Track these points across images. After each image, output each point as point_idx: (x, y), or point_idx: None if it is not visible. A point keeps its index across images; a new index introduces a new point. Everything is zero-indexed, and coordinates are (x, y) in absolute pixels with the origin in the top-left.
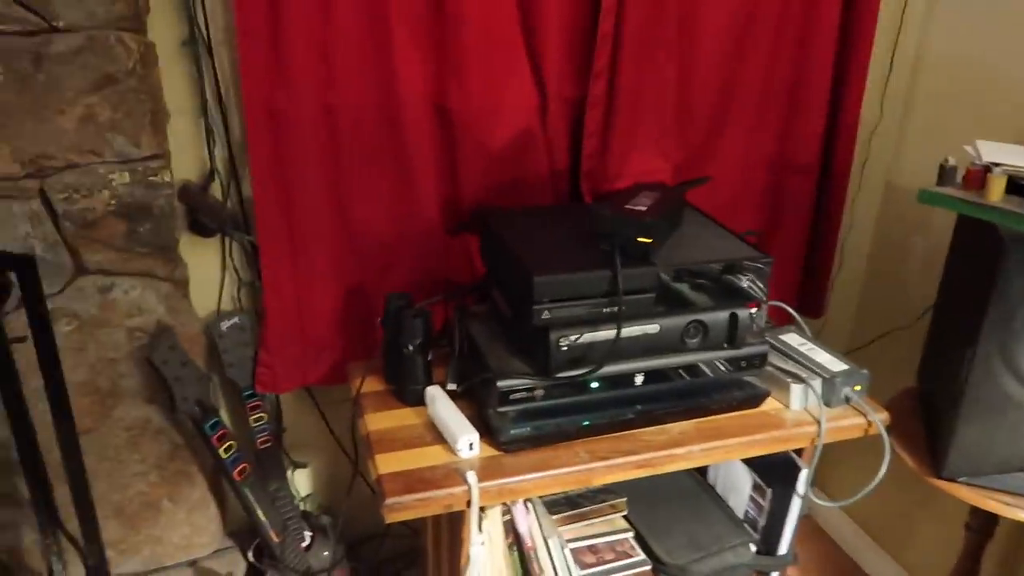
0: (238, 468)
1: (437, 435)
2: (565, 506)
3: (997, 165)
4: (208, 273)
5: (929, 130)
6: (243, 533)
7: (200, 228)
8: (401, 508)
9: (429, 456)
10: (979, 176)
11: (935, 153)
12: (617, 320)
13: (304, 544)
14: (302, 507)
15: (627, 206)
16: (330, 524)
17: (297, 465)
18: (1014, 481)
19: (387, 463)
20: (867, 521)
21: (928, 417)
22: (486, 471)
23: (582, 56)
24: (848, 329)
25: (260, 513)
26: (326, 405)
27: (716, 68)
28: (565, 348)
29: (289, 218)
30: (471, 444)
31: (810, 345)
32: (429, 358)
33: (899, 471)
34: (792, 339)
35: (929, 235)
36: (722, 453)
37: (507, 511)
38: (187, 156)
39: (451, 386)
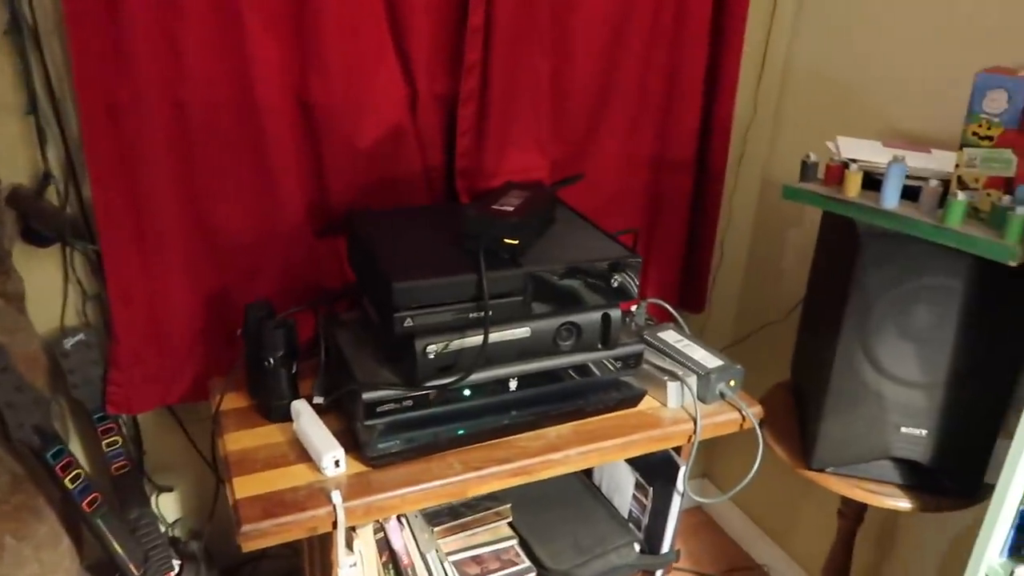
0: (87, 499)
1: (302, 453)
2: (447, 517)
3: (855, 161)
4: (48, 286)
5: (800, 127)
6: (104, 566)
7: (35, 237)
8: (259, 535)
9: (293, 476)
10: (838, 172)
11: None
12: (484, 325)
13: (173, 574)
14: (172, 533)
15: (494, 206)
16: (199, 550)
17: (162, 489)
18: (877, 469)
19: (246, 486)
20: (755, 511)
21: (800, 410)
22: (353, 489)
23: (453, 50)
24: (730, 324)
25: (116, 545)
26: (192, 423)
27: (592, 65)
28: (432, 356)
29: (136, 223)
30: (336, 461)
31: (687, 342)
32: (294, 371)
33: (782, 462)
34: (670, 336)
35: (802, 230)
36: (599, 456)
37: (380, 528)
38: (17, 158)
39: (317, 400)
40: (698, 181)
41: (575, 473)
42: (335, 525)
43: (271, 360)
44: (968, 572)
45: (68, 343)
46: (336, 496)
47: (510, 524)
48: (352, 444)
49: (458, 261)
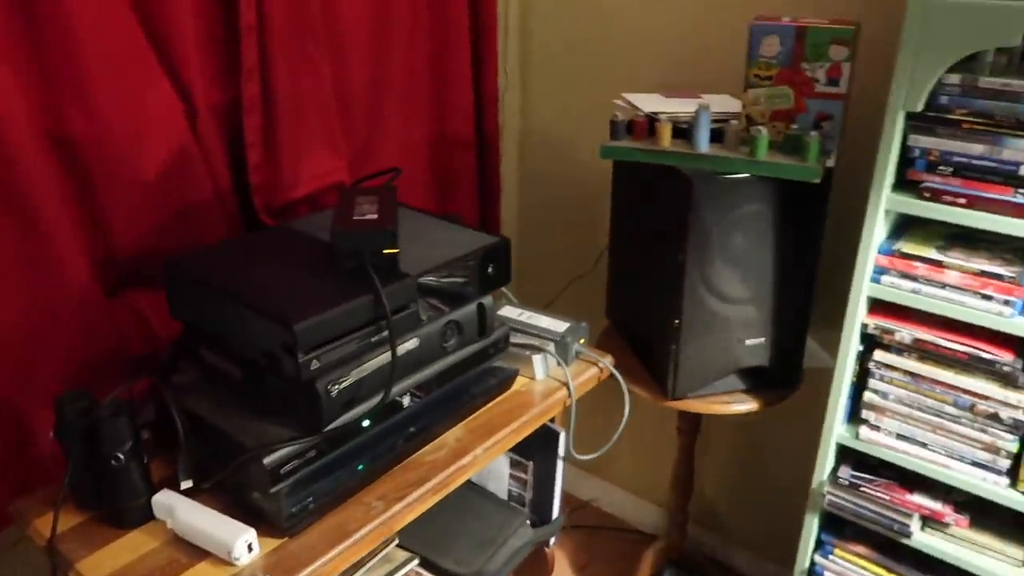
0: None
1: (194, 551)
2: None
3: (662, 114)
4: None
5: (542, 96)
6: None
7: None
8: None
9: None
10: (645, 126)
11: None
12: (391, 343)
13: None
14: None
15: (355, 218)
16: None
17: None
18: (724, 384)
19: None
20: (613, 475)
21: (640, 349)
22: (280, 568)
23: (228, 55)
24: (539, 288)
25: None
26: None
27: (366, 57)
28: (335, 394)
29: None
30: (250, 545)
31: (528, 313)
32: (145, 460)
33: (610, 418)
34: (511, 312)
35: (565, 187)
36: (500, 448)
37: None
38: None
39: (185, 484)
40: (480, 156)
41: None
42: None
43: (120, 456)
44: (822, 442)
45: None
46: None
47: (399, 545)
48: (254, 519)
49: (343, 284)
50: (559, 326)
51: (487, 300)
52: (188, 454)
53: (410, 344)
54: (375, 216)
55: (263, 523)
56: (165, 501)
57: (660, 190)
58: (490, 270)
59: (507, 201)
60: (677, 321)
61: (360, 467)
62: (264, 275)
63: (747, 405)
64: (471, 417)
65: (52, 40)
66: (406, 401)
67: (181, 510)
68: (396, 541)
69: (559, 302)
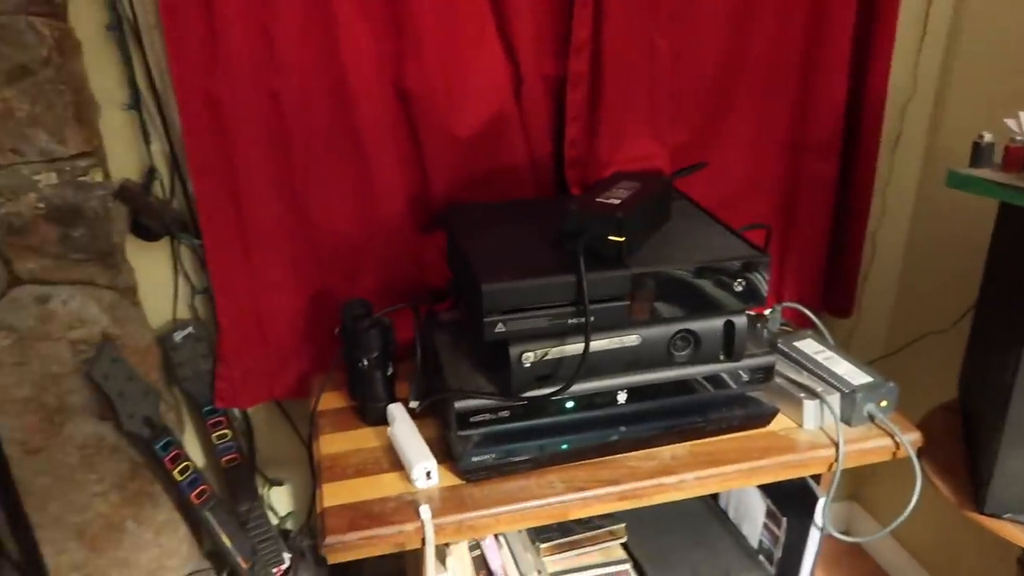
0: (196, 491)
1: (395, 461)
2: (556, 532)
3: None
4: (159, 279)
5: (971, 103)
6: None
7: (144, 231)
8: (343, 548)
9: (383, 486)
10: (1021, 154)
11: (979, 128)
12: (585, 331)
13: (283, 567)
14: (284, 527)
15: (598, 199)
16: (309, 547)
17: (273, 483)
18: None
19: (335, 494)
20: (912, 543)
21: (970, 438)
22: (445, 504)
23: (561, 27)
24: (883, 333)
25: (224, 538)
26: (301, 418)
27: (718, 38)
28: (528, 365)
29: (237, 218)
30: (428, 472)
31: (828, 353)
32: (390, 372)
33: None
34: (808, 346)
35: (973, 224)
36: (719, 483)
37: (476, 546)
38: (125, 153)
39: (413, 404)
40: (845, 167)
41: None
42: (424, 542)
43: (366, 361)
44: None
45: (178, 336)
46: (425, 512)
47: (624, 545)
48: (446, 454)
49: (556, 261)
50: (858, 378)
51: (739, 320)
52: (420, 379)
53: (627, 340)
54: (618, 201)
55: (450, 461)
56: (393, 411)
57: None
58: (738, 287)
59: (896, 226)
60: (1006, 412)
61: (564, 447)
62: (505, 238)
63: None
64: (701, 440)
65: (402, 2)
66: (621, 398)
67: (398, 423)
68: (623, 539)
69: (908, 359)
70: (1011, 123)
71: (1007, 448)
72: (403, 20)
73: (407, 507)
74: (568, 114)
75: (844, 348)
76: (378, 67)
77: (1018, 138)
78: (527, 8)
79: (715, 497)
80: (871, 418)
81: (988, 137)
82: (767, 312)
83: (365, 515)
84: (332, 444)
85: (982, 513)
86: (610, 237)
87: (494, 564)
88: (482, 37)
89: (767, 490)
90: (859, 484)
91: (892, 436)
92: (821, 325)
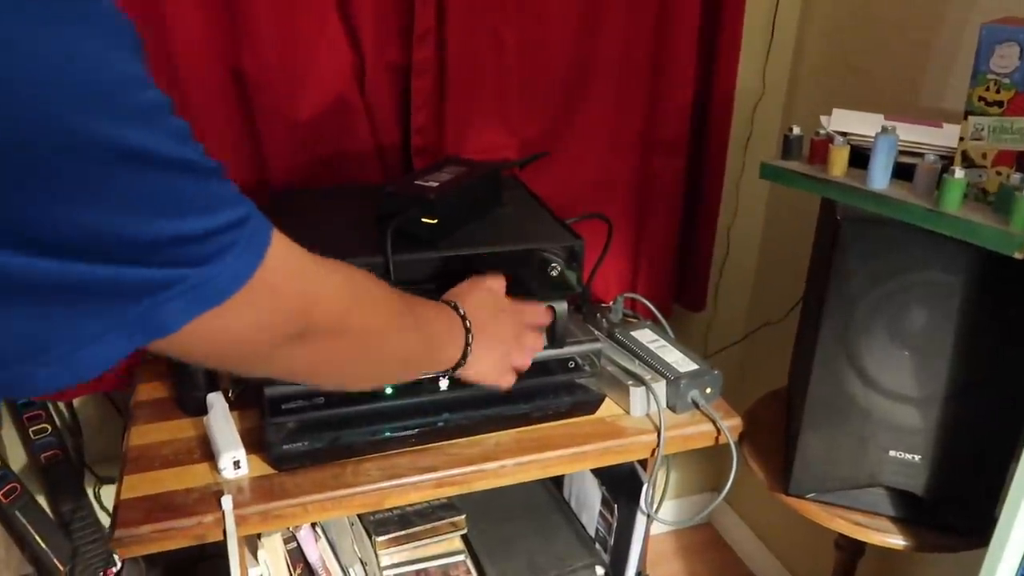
0: (3, 489)
1: (208, 451)
2: (395, 526)
3: (843, 135)
4: None
5: (817, 101)
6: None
7: None
8: (136, 542)
9: (191, 476)
10: (823, 148)
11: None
12: None
13: (115, 569)
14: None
15: (416, 182)
16: None
17: (104, 481)
18: (870, 497)
19: (135, 486)
20: (765, 531)
21: (787, 425)
22: (254, 494)
23: (407, 16)
24: (740, 325)
25: (38, 540)
26: None
27: (567, 34)
28: None
29: None
30: (237, 462)
31: (662, 343)
32: None
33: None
34: (644, 336)
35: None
36: (540, 468)
37: (292, 538)
38: None
39: (232, 394)
40: (695, 165)
41: (544, 484)
42: (225, 534)
43: None
44: None
45: None
46: (227, 502)
47: (464, 537)
48: (258, 446)
49: (369, 243)
50: (685, 366)
51: (560, 306)
52: None
53: None
54: (436, 184)
55: (263, 451)
56: (212, 400)
57: (821, 231)
58: (552, 272)
59: (749, 222)
60: (806, 395)
61: (384, 435)
62: (323, 223)
63: (888, 537)
64: (529, 428)
65: None
66: (443, 384)
67: (213, 412)
68: (463, 531)
69: (753, 348)
70: (824, 119)
71: (807, 429)
72: (237, 3)
73: (211, 498)
74: (414, 102)
75: (703, 340)
76: (209, 51)
77: (821, 132)
78: None
79: (559, 487)
80: (695, 404)
81: (797, 130)
82: (611, 303)
83: (164, 507)
84: (145, 435)
85: (787, 494)
86: (423, 219)
87: (311, 556)
88: (323, 21)
89: (602, 478)
90: (720, 476)
91: (714, 422)
92: (660, 316)
